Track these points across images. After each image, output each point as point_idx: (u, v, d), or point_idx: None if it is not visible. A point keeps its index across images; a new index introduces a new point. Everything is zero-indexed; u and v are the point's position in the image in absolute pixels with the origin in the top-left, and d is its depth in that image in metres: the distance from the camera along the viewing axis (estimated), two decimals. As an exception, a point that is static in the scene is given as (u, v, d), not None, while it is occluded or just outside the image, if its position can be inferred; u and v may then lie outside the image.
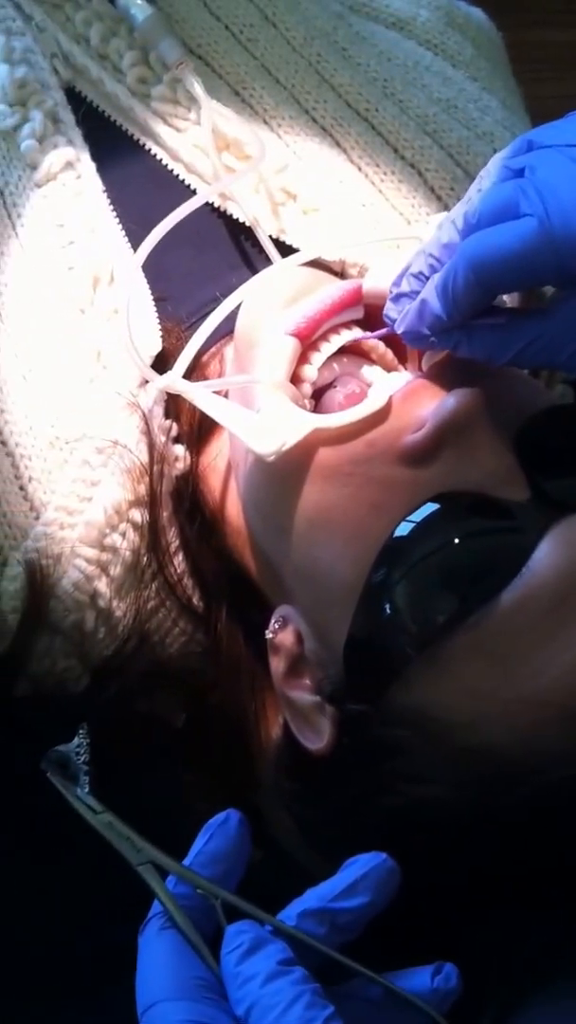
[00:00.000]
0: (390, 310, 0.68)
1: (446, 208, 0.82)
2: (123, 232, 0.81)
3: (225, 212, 0.83)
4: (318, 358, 0.71)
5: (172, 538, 0.75)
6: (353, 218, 0.82)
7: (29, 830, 0.76)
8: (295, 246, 0.80)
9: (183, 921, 0.55)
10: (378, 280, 0.71)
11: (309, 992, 0.52)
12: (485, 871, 0.64)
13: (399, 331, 0.67)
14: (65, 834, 0.68)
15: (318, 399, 0.72)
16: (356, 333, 0.72)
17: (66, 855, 0.72)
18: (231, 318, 0.75)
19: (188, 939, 0.55)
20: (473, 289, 0.61)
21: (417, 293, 0.66)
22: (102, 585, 0.73)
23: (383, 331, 0.70)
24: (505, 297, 0.67)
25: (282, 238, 0.81)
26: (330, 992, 0.53)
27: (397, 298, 0.67)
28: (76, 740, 0.66)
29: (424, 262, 0.65)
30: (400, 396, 0.68)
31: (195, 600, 0.76)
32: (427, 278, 0.65)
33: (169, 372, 0.74)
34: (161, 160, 0.84)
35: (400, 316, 0.67)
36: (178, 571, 0.75)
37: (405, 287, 0.66)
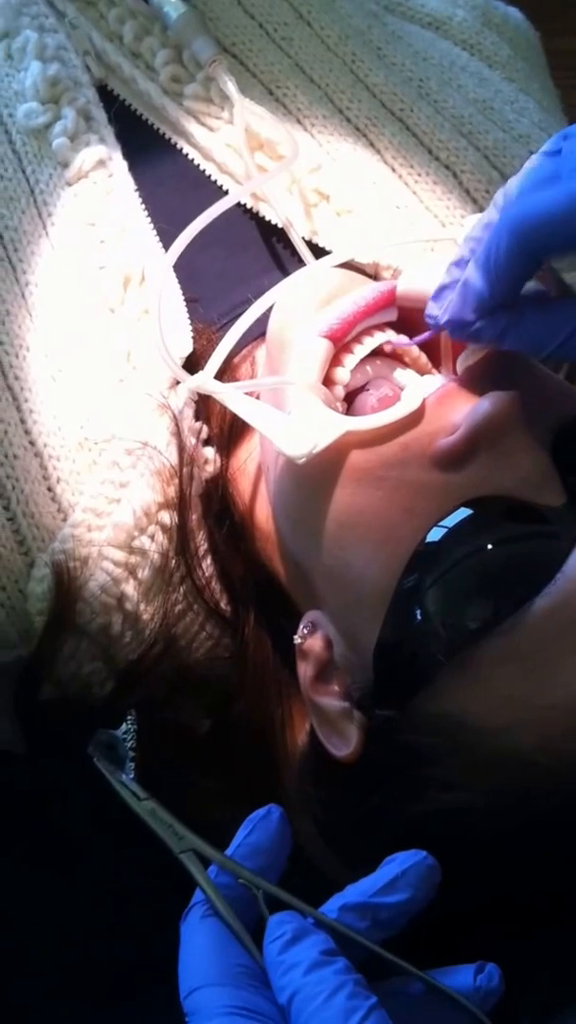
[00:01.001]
0: (432, 309, 0.67)
1: (481, 210, 0.81)
2: (154, 232, 0.80)
3: (257, 213, 0.82)
4: (351, 360, 0.70)
5: (201, 541, 0.75)
6: (387, 220, 0.82)
7: (42, 843, 0.76)
8: (328, 248, 0.80)
9: (226, 909, 0.55)
10: (412, 282, 0.70)
11: (352, 982, 0.51)
12: (515, 882, 0.64)
13: (443, 321, 0.66)
14: (78, 848, 0.68)
15: (350, 402, 0.71)
16: (390, 335, 0.71)
17: (79, 869, 0.73)
18: (263, 320, 0.74)
19: (230, 927, 0.55)
20: (515, 256, 0.60)
21: (456, 282, 0.65)
22: (130, 588, 0.73)
23: (424, 335, 0.69)
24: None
25: (315, 240, 0.81)
26: (370, 987, 0.52)
27: (439, 292, 0.66)
28: (124, 727, 0.66)
29: (466, 247, 0.64)
30: (434, 399, 0.67)
31: (223, 604, 0.75)
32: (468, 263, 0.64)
33: (200, 372, 0.73)
34: (193, 160, 0.84)
35: (441, 311, 0.66)
36: (206, 575, 0.75)
37: (446, 278, 0.65)
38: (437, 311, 0.66)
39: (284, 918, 0.54)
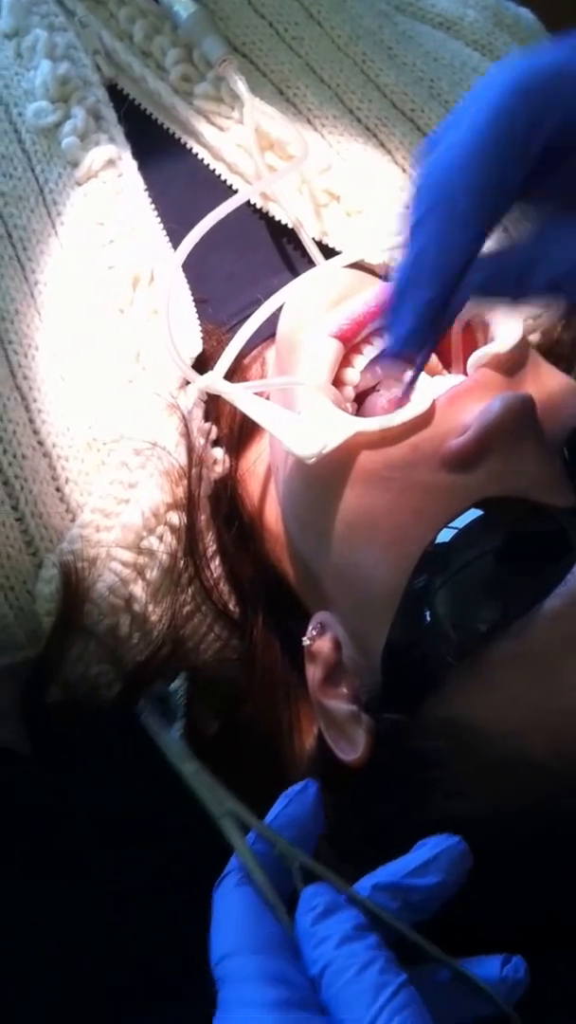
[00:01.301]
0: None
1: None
2: (164, 231, 0.80)
3: (267, 213, 0.82)
4: (360, 361, 0.70)
5: (209, 542, 0.75)
6: (397, 220, 0.81)
7: (41, 851, 0.76)
8: (338, 248, 0.80)
9: (262, 877, 0.55)
10: None
11: (383, 958, 0.51)
12: (525, 892, 0.63)
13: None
14: (78, 855, 0.68)
15: (360, 402, 0.71)
16: None
17: (79, 879, 0.73)
18: (272, 321, 0.74)
19: (266, 895, 0.54)
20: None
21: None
22: (138, 589, 0.73)
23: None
24: None
25: (324, 240, 0.81)
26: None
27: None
28: (177, 682, 0.66)
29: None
30: (444, 400, 0.67)
31: (231, 606, 0.75)
32: None
33: (210, 373, 0.74)
34: (203, 159, 0.84)
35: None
36: (215, 576, 0.75)
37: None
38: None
39: (319, 890, 0.54)
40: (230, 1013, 0.50)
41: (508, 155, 0.51)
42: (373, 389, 0.71)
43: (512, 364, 0.68)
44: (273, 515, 0.75)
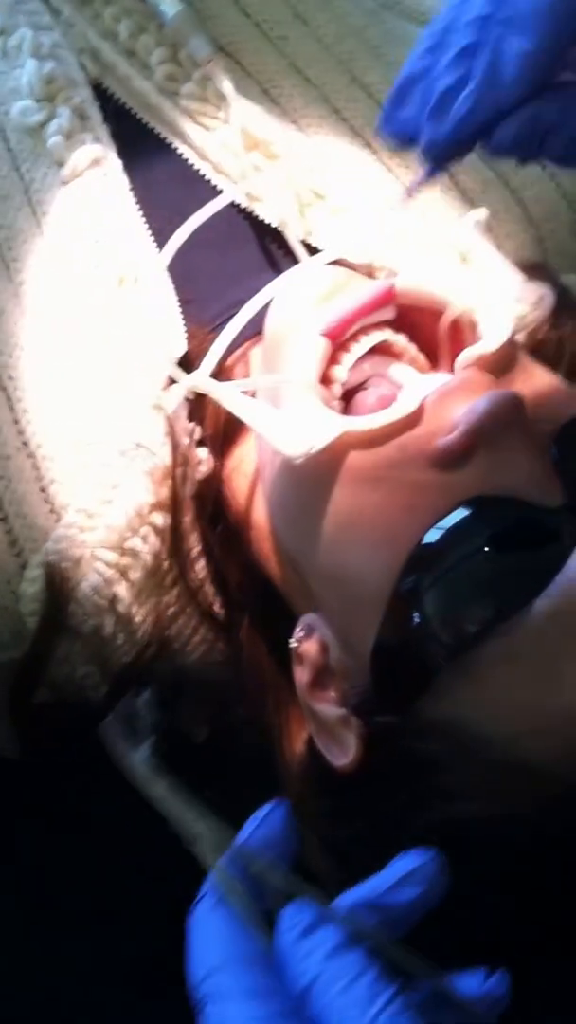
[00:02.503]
0: (435, 130, 0.56)
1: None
2: (149, 232, 0.80)
3: (252, 213, 0.82)
4: (348, 359, 0.70)
5: (194, 543, 0.75)
6: (382, 220, 0.81)
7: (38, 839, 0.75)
8: (322, 248, 0.80)
9: (238, 896, 0.54)
10: (411, 279, 0.71)
11: (376, 968, 0.50)
12: (523, 897, 0.63)
13: (463, 114, 0.56)
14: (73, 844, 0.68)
15: (348, 400, 0.71)
16: (387, 334, 0.71)
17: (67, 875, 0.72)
18: (258, 319, 0.74)
19: (244, 913, 0.54)
20: None
21: (469, 76, 0.56)
22: (122, 590, 0.73)
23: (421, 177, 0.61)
24: None
25: (309, 240, 0.81)
26: None
27: (440, 103, 0.56)
28: (141, 702, 0.65)
29: (463, 34, 0.56)
30: (432, 399, 0.67)
31: (217, 607, 0.75)
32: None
33: (196, 372, 0.73)
34: (188, 159, 0.84)
35: (456, 111, 0.56)
36: (199, 577, 0.75)
37: (446, 80, 0.56)
38: (448, 125, 0.56)
39: (300, 907, 0.53)
40: None
41: None
42: (361, 387, 0.71)
43: (499, 363, 0.68)
44: (259, 515, 0.75)
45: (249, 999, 0.50)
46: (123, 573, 0.73)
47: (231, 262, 0.82)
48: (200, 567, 0.75)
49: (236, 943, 0.52)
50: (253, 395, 0.72)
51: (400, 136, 0.59)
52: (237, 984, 0.50)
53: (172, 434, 0.74)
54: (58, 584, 0.71)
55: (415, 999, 0.51)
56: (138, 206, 0.81)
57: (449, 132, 0.57)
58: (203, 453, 0.76)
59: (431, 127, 0.57)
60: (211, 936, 0.52)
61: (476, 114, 0.56)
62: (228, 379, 0.76)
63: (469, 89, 0.55)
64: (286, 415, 0.68)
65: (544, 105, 0.55)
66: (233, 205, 0.81)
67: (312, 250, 0.80)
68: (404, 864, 0.54)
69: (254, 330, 0.75)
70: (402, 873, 0.54)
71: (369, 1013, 0.48)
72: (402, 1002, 0.49)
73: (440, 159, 0.58)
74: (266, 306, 0.74)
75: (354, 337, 0.70)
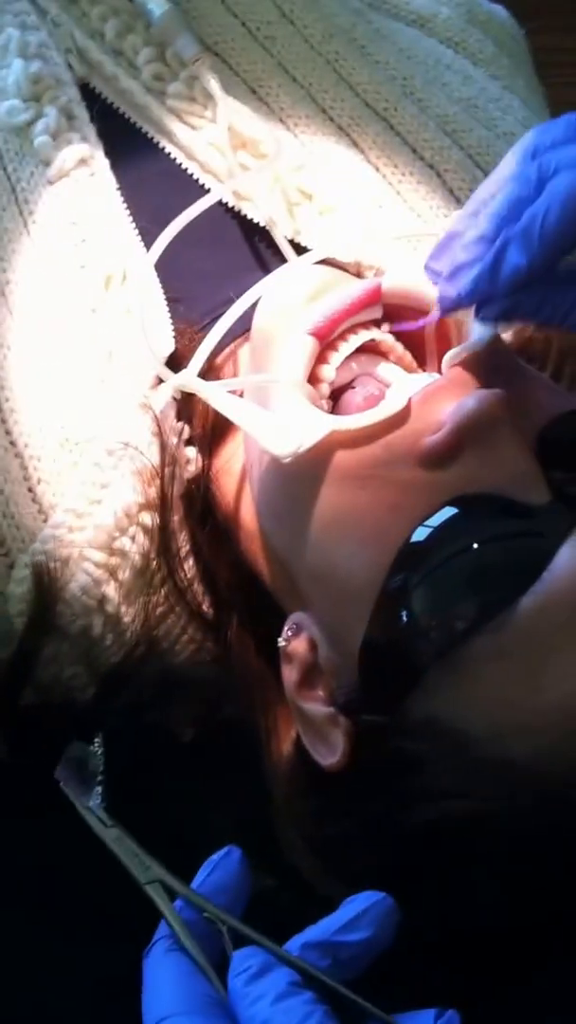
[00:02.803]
0: (447, 290, 0.65)
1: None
2: (136, 231, 0.81)
3: (240, 212, 0.83)
4: (336, 358, 0.71)
5: (183, 542, 0.75)
6: (370, 219, 0.82)
7: (29, 848, 0.75)
8: (310, 247, 0.80)
9: (190, 942, 0.55)
10: (398, 279, 0.71)
11: (320, 1011, 0.51)
12: (509, 895, 0.63)
13: (465, 296, 0.64)
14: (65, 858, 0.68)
15: (336, 399, 0.71)
16: (375, 333, 0.72)
17: (66, 876, 0.72)
18: (246, 318, 0.75)
19: (195, 960, 0.54)
20: (567, 228, 0.60)
21: (478, 261, 0.63)
22: (110, 590, 0.73)
23: (431, 317, 0.69)
24: None
25: (297, 239, 0.82)
26: None
27: (456, 272, 0.64)
28: (93, 748, 0.66)
29: (490, 224, 0.63)
30: (419, 398, 0.67)
31: (205, 607, 0.75)
32: (490, 241, 0.63)
33: (184, 371, 0.74)
34: (176, 159, 0.85)
35: (460, 284, 0.64)
36: (188, 576, 0.75)
37: (465, 256, 0.64)
38: (454, 291, 0.65)
39: (250, 952, 0.54)
40: None
41: None
42: (348, 386, 0.71)
43: (486, 362, 0.68)
44: (248, 514, 0.75)
45: None
46: (112, 573, 0.73)
47: (219, 261, 0.82)
48: (189, 566, 0.75)
49: (188, 989, 0.53)
50: (241, 394, 0.72)
51: (432, 279, 0.67)
52: None
53: (160, 433, 0.74)
54: (46, 584, 0.72)
55: None
56: (125, 205, 0.81)
57: (453, 298, 0.65)
58: (191, 452, 0.76)
59: (444, 287, 0.65)
60: (163, 982, 0.53)
61: (474, 294, 0.64)
62: (216, 378, 0.76)
63: (474, 273, 0.63)
64: (274, 414, 0.68)
65: (525, 297, 0.63)
66: (221, 204, 0.82)
67: (300, 249, 0.80)
68: (355, 905, 0.55)
69: (242, 329, 0.76)
70: (353, 914, 0.55)
71: None
72: None
73: (447, 312, 0.67)
74: (254, 305, 0.74)
75: (342, 336, 0.71)
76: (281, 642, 0.70)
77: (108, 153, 0.83)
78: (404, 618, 0.63)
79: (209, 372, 0.76)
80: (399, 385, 0.70)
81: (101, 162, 0.82)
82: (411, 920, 0.56)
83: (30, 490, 0.74)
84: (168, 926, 0.56)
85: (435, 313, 0.67)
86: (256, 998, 0.51)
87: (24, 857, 0.77)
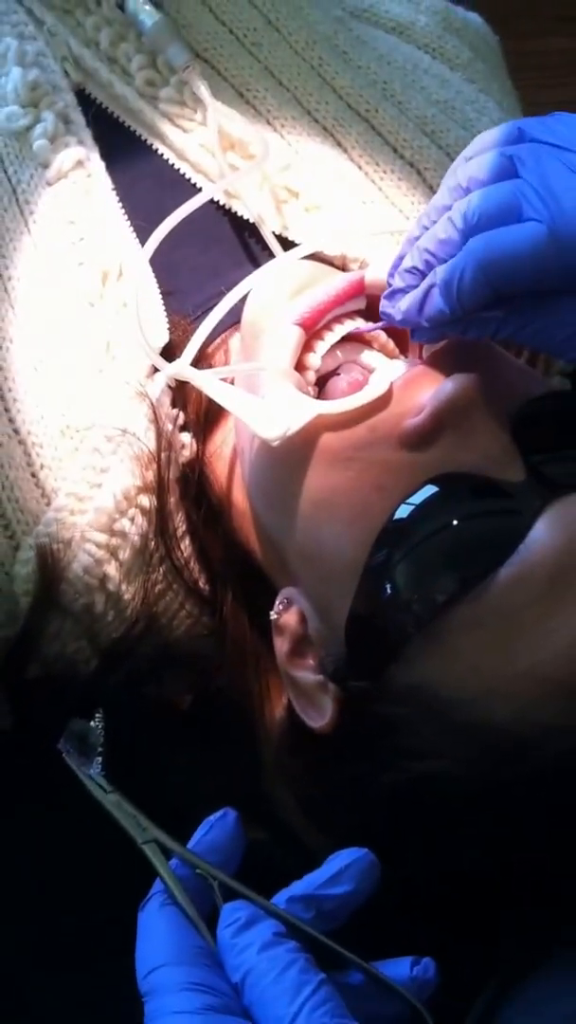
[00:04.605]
0: (385, 307, 0.69)
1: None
2: (131, 229, 0.82)
3: (230, 210, 0.84)
4: (322, 346, 0.72)
5: (179, 523, 0.77)
6: (354, 215, 0.84)
7: (34, 810, 0.78)
8: (298, 242, 0.82)
9: (183, 897, 0.58)
10: (380, 272, 0.72)
11: (303, 959, 0.54)
12: (485, 849, 0.66)
13: (398, 319, 0.68)
14: (66, 815, 0.70)
15: (322, 386, 0.73)
16: (359, 323, 0.74)
17: (67, 835, 0.75)
18: (236, 310, 0.76)
19: (187, 914, 0.57)
20: (481, 288, 0.63)
21: (413, 287, 0.67)
22: (111, 569, 0.74)
23: (380, 324, 0.72)
24: None
25: (285, 234, 0.83)
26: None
27: (392, 295, 0.69)
28: (93, 723, 0.68)
29: (420, 257, 0.67)
30: (401, 383, 0.69)
31: (201, 583, 0.77)
32: (421, 273, 0.67)
33: (177, 360, 0.76)
34: (168, 160, 0.86)
35: (395, 310, 0.68)
36: (185, 555, 0.76)
37: (399, 283, 0.68)
38: (391, 310, 0.69)
39: (238, 906, 0.57)
40: (159, 1022, 0.53)
41: None
42: (334, 373, 0.74)
43: (464, 349, 0.70)
44: (240, 496, 0.77)
45: (187, 992, 0.53)
46: (113, 553, 0.74)
47: (211, 256, 0.84)
48: (185, 546, 0.77)
49: (179, 941, 0.55)
50: (232, 382, 0.74)
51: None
52: (177, 979, 0.54)
53: (156, 420, 0.76)
54: (50, 565, 0.73)
55: (343, 986, 0.55)
56: (120, 204, 0.83)
57: (389, 316, 0.69)
58: (186, 438, 0.78)
59: (383, 304, 0.70)
60: (156, 934, 0.56)
61: (406, 322, 0.69)
62: (208, 367, 0.78)
63: (405, 305, 0.68)
64: (263, 400, 0.70)
65: (450, 329, 0.67)
66: (212, 202, 0.83)
67: (288, 244, 0.82)
68: (338, 861, 0.58)
69: (233, 320, 0.77)
70: (336, 869, 0.58)
71: (296, 1001, 0.52)
72: (328, 990, 0.53)
73: (391, 323, 0.70)
74: (244, 298, 0.76)
75: (327, 326, 0.73)
76: (273, 615, 0.72)
77: (104, 155, 0.85)
78: (387, 591, 0.65)
79: (201, 361, 0.78)
80: (382, 371, 0.72)
81: (97, 164, 0.84)
82: (392, 874, 0.59)
83: (33, 475, 0.75)
84: (162, 882, 0.58)
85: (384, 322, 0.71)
86: (243, 948, 0.54)
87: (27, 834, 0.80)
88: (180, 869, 0.59)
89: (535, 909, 0.68)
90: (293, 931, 0.56)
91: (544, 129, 0.65)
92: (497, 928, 0.69)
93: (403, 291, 0.68)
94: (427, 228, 0.67)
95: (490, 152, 0.65)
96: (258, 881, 0.59)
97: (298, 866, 0.60)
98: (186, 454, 0.78)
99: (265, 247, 0.82)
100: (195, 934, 0.56)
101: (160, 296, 0.80)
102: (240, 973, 0.54)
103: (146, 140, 0.87)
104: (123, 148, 0.86)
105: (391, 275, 0.69)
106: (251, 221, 0.83)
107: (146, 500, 0.75)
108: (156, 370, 0.77)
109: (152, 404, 0.76)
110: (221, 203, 0.84)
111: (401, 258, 0.69)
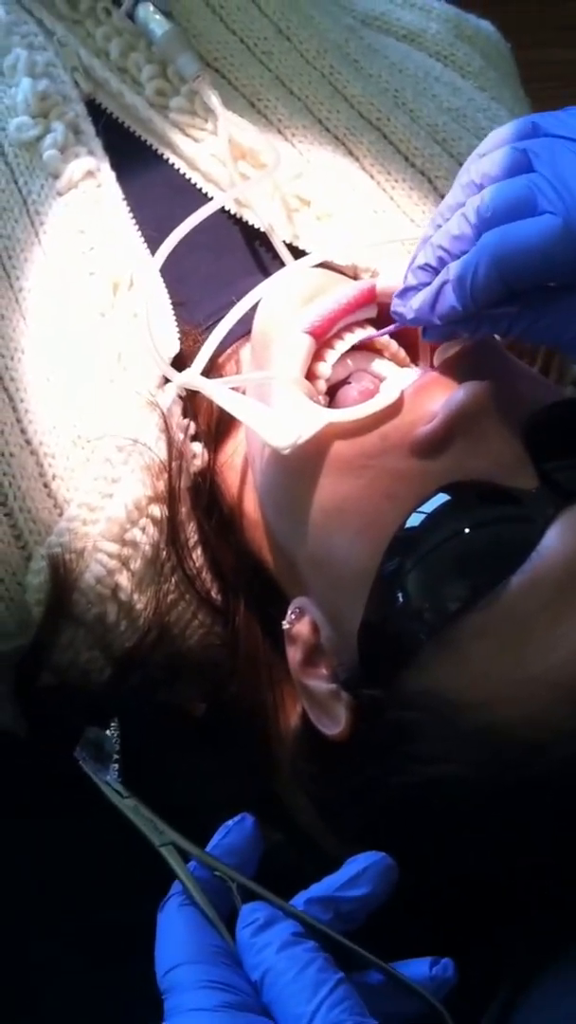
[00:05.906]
0: (397, 305, 0.69)
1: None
2: (142, 238, 0.82)
3: (241, 219, 0.85)
4: (332, 355, 0.72)
5: (191, 533, 0.77)
6: (365, 224, 0.84)
7: (47, 815, 0.78)
8: (308, 251, 0.82)
9: (201, 898, 0.58)
10: (391, 280, 0.72)
11: (322, 959, 0.54)
12: (494, 853, 0.66)
13: (409, 318, 0.68)
14: (81, 819, 0.71)
15: (332, 395, 0.73)
16: (369, 331, 0.74)
17: (80, 838, 0.76)
18: (246, 320, 0.76)
19: (206, 913, 0.58)
20: (494, 283, 0.63)
21: (425, 285, 0.67)
22: (123, 579, 0.74)
23: (392, 327, 0.71)
24: None
25: (296, 243, 0.83)
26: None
27: (404, 292, 0.68)
28: (109, 732, 0.69)
29: (433, 254, 0.66)
30: (412, 391, 0.69)
31: (214, 593, 0.77)
32: (434, 270, 0.66)
33: (188, 370, 0.76)
34: (179, 169, 0.86)
35: (407, 308, 0.68)
36: (197, 565, 0.76)
37: (412, 280, 0.68)
38: (402, 309, 0.69)
39: (257, 906, 0.57)
40: (178, 1019, 0.53)
41: None
42: (344, 382, 0.73)
43: (476, 357, 0.70)
44: (251, 505, 0.77)
45: (205, 989, 0.53)
46: (124, 563, 0.74)
47: (221, 265, 0.84)
48: (197, 556, 0.77)
49: (198, 940, 0.56)
50: (243, 391, 0.74)
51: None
52: (195, 976, 0.54)
53: (167, 430, 0.76)
54: (62, 575, 0.73)
55: (361, 986, 0.55)
56: (131, 214, 0.83)
57: (400, 316, 0.69)
58: (197, 447, 0.78)
59: (395, 303, 0.69)
60: (175, 934, 0.57)
61: (417, 321, 0.68)
62: (220, 376, 0.78)
63: (417, 303, 0.68)
64: (274, 409, 0.70)
65: (462, 326, 0.67)
66: (223, 211, 0.84)
67: (298, 253, 0.82)
68: (356, 864, 0.59)
69: (244, 330, 0.77)
70: (354, 872, 0.58)
71: (315, 999, 0.52)
72: (346, 989, 0.53)
73: (401, 327, 0.71)
74: (254, 307, 0.76)
75: (338, 335, 0.73)
76: (285, 625, 0.73)
77: (114, 165, 0.85)
78: (399, 600, 0.65)
79: (212, 371, 0.78)
80: (392, 379, 0.72)
81: (107, 174, 0.84)
82: (408, 877, 0.59)
83: (45, 486, 0.75)
84: (181, 884, 0.59)
85: (397, 324, 0.71)
86: (262, 947, 0.55)
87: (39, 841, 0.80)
88: (198, 871, 0.60)
89: (543, 912, 0.68)
90: (311, 932, 0.56)
91: (558, 123, 0.64)
92: (507, 930, 0.69)
93: (415, 289, 0.68)
94: (440, 226, 0.67)
95: (504, 148, 0.65)
96: (275, 884, 0.59)
97: (313, 869, 0.61)
98: (197, 464, 0.78)
99: (276, 256, 0.83)
100: (214, 934, 0.57)
101: (171, 306, 0.80)
102: (259, 972, 0.54)
103: (157, 150, 0.87)
104: (134, 158, 0.87)
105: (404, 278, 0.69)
106: (262, 230, 0.83)
107: (157, 510, 0.75)
108: (167, 380, 0.77)
109: (163, 414, 0.76)
110: (232, 212, 0.85)
111: (413, 260, 0.69)
